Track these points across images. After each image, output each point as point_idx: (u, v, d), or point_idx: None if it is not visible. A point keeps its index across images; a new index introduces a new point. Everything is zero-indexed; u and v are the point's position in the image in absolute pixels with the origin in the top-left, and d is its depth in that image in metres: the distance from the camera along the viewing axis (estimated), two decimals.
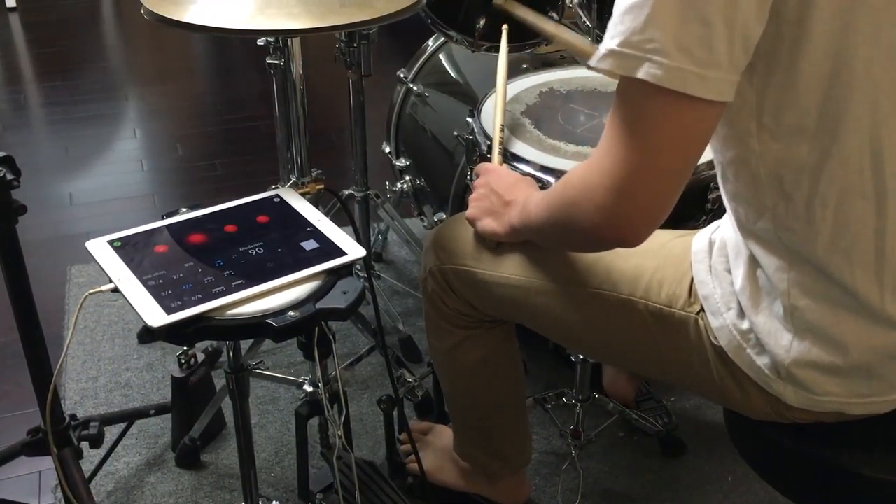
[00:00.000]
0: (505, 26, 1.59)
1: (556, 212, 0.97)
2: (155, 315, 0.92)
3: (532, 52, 1.85)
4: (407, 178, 2.03)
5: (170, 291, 0.96)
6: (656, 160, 0.82)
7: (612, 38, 0.80)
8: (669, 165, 0.83)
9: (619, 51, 0.79)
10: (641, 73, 0.77)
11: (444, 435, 1.53)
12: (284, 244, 1.06)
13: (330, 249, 1.05)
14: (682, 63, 0.76)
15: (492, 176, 1.19)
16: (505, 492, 1.47)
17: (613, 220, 0.86)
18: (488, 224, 1.15)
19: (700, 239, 1.04)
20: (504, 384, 1.37)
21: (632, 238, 0.88)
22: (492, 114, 1.44)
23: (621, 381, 1.65)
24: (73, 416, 1.36)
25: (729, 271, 0.98)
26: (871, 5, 0.77)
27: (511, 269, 1.17)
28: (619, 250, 1.06)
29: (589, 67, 0.84)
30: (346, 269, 1.04)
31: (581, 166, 0.90)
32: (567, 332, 1.20)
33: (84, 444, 1.36)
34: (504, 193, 1.15)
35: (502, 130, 1.37)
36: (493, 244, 1.18)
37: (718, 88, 0.78)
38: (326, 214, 1.13)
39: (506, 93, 1.44)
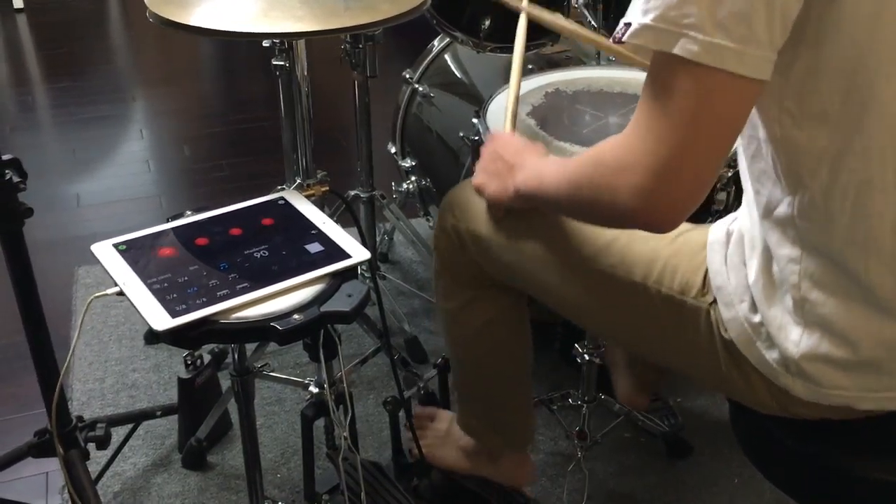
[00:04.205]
0: (524, 6, 1.54)
1: (583, 190, 0.93)
2: (160, 318, 0.93)
3: (537, 52, 1.85)
4: (412, 178, 2.03)
5: (174, 295, 0.96)
6: (698, 137, 0.80)
7: (645, 13, 0.78)
8: (710, 143, 0.81)
9: (653, 26, 0.77)
10: (677, 49, 0.76)
11: (448, 419, 1.53)
12: (289, 247, 1.06)
13: (334, 252, 1.05)
14: (718, 38, 0.75)
15: (498, 142, 1.18)
16: (507, 471, 1.46)
17: (652, 202, 0.83)
18: (493, 190, 1.13)
19: (717, 229, 1.04)
20: (510, 351, 1.36)
21: (669, 220, 0.85)
22: (498, 114, 1.43)
23: (634, 390, 1.64)
24: (79, 418, 1.37)
25: (744, 263, 0.97)
26: None
27: (526, 240, 1.16)
28: (637, 233, 1.06)
29: (615, 41, 0.82)
30: (351, 272, 1.04)
31: (610, 145, 0.87)
32: (576, 309, 1.20)
33: (91, 446, 1.37)
34: (509, 157, 1.12)
35: (516, 102, 1.33)
36: (501, 213, 1.16)
37: (757, 66, 0.77)
38: (332, 216, 1.14)
39: (523, 62, 1.39)
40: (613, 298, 1.10)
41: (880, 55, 0.78)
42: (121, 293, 0.98)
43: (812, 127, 0.83)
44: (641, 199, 0.83)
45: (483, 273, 1.24)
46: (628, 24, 0.80)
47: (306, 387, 1.51)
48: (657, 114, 0.80)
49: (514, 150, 1.14)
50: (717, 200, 1.34)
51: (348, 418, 1.30)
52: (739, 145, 0.95)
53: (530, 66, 1.82)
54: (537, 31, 1.77)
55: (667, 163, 0.80)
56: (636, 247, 1.07)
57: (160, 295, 0.96)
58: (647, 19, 0.78)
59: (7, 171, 1.15)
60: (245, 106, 3.21)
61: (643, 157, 0.82)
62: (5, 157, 1.14)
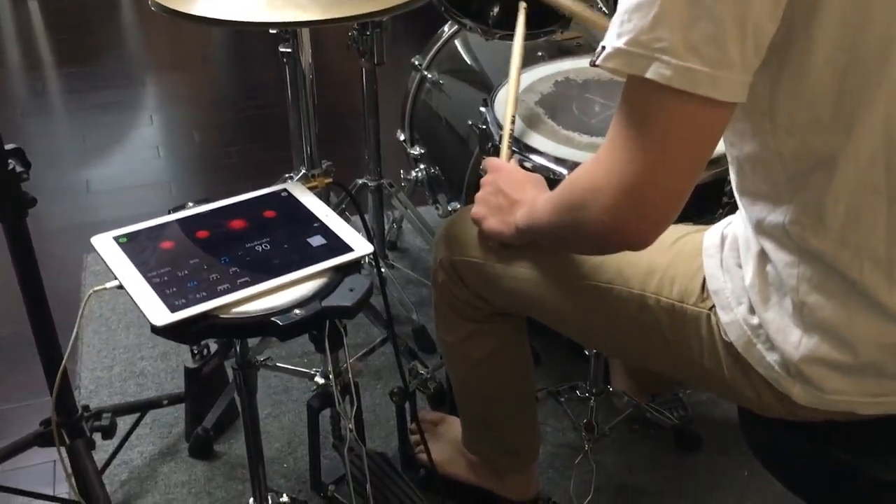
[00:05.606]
0: (523, 4, 1.53)
1: (562, 214, 0.94)
2: (159, 314, 0.92)
3: (547, 39, 1.82)
4: (421, 166, 2.02)
5: (174, 289, 0.95)
6: (668, 159, 0.80)
7: (619, 36, 0.77)
8: (680, 165, 0.81)
9: (626, 49, 0.77)
10: (650, 73, 0.76)
11: (454, 426, 1.52)
12: (291, 240, 1.05)
13: (337, 245, 1.04)
14: (691, 63, 0.74)
15: (500, 174, 1.16)
16: (512, 487, 1.46)
17: (622, 222, 0.84)
18: (493, 224, 1.13)
19: (712, 234, 1.03)
20: (512, 380, 1.36)
21: (640, 239, 0.86)
22: (505, 104, 1.41)
23: (632, 391, 1.63)
24: (85, 408, 1.37)
25: (740, 266, 0.97)
26: None
27: (521, 263, 1.15)
28: None
29: (592, 64, 0.82)
30: (354, 266, 1.03)
31: (586, 166, 0.88)
32: (578, 327, 1.19)
33: (97, 435, 1.37)
34: (511, 192, 1.12)
35: (513, 123, 1.33)
36: (497, 245, 1.16)
37: (730, 89, 0.77)
38: (340, 205, 1.12)
39: (519, 83, 1.39)
40: (614, 314, 1.09)
41: (867, 61, 0.77)
42: (120, 287, 0.97)
43: (806, 134, 0.83)
44: (612, 218, 0.84)
45: (483, 305, 1.24)
46: (603, 48, 0.80)
47: (312, 377, 1.50)
48: (629, 135, 0.80)
49: (514, 184, 1.13)
50: (728, 193, 1.32)
51: (354, 409, 1.30)
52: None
53: (540, 54, 1.79)
54: (547, 18, 1.75)
55: (636, 182, 0.81)
56: (631, 259, 1.06)
57: (160, 289, 0.95)
58: (621, 43, 0.77)
59: (10, 161, 1.14)
60: (255, 92, 3.20)
61: (613, 177, 0.82)
62: (8, 147, 1.14)
